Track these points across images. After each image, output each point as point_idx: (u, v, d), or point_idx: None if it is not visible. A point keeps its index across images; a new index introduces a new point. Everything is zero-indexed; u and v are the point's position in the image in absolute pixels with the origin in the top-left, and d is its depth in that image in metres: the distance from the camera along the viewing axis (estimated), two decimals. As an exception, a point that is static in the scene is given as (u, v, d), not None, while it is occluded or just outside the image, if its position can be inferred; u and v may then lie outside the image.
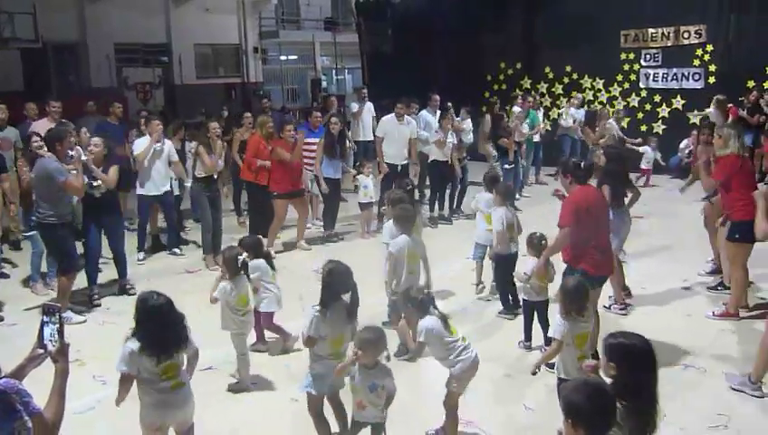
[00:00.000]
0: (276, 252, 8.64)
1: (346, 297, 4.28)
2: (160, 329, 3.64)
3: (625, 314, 6.60)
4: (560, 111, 14.28)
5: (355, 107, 12.18)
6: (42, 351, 2.76)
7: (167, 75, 20.57)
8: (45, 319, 2.78)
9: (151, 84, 20.03)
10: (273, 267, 5.81)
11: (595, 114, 11.79)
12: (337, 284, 4.23)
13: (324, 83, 26.57)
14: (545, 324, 5.77)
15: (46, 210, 6.61)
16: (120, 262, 7.60)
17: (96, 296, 7.29)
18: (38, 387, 2.68)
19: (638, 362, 3.04)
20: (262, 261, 5.77)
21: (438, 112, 10.98)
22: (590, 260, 5.36)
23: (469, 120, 11.55)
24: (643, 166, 12.81)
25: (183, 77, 20.49)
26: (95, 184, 7.07)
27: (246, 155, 9.09)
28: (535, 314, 5.88)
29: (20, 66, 16.76)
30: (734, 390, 5.07)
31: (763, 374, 5.00)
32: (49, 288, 7.51)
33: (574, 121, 13.18)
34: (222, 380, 5.46)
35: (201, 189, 8.50)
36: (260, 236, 6.75)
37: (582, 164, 5.74)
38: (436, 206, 10.51)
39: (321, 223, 9.91)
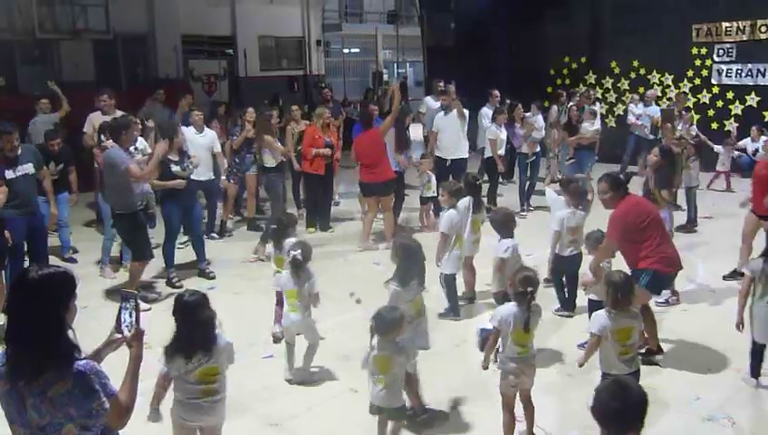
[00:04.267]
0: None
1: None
2: (187, 328, 3.65)
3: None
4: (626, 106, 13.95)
5: (430, 102, 11.85)
6: (119, 335, 2.85)
7: (231, 67, 20.87)
8: (123, 305, 2.86)
9: (216, 76, 20.37)
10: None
11: (672, 112, 11.33)
12: (410, 260, 4.72)
13: (386, 76, 26.57)
14: None
15: (116, 201, 6.81)
16: (199, 245, 7.93)
17: (176, 279, 7.56)
18: (109, 370, 2.77)
19: None
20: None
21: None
22: (658, 259, 5.30)
23: (540, 116, 11.41)
24: (718, 168, 12.25)
25: (247, 69, 20.77)
26: (186, 166, 7.46)
27: (302, 145, 9.28)
28: None
29: (92, 57, 17.25)
30: None
31: None
32: (122, 269, 7.77)
33: (638, 118, 12.87)
34: (279, 366, 5.55)
35: (276, 178, 8.88)
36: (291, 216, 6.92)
37: (622, 176, 5.83)
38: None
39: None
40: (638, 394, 2.64)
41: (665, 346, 5.58)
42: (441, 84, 11.46)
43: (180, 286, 7.36)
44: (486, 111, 10.97)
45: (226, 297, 6.98)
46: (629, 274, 4.58)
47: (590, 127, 11.22)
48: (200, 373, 3.65)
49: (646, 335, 5.38)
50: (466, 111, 10.06)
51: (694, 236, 8.89)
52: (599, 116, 12.18)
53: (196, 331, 3.65)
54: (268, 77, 20.66)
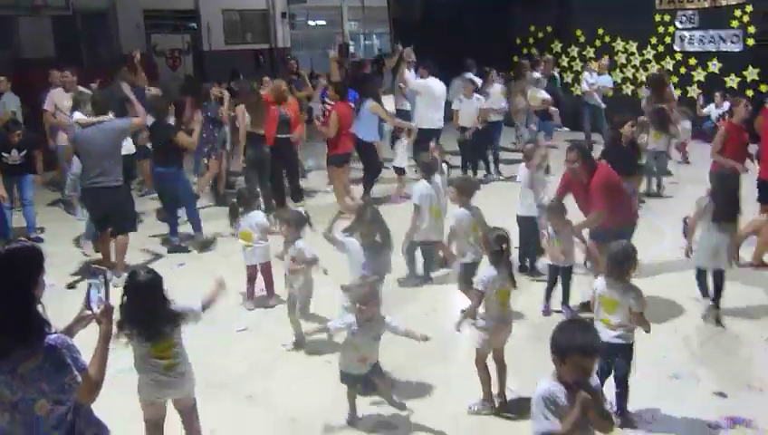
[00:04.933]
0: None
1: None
2: (139, 307, 3.55)
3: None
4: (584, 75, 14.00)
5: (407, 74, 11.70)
6: (88, 312, 2.84)
7: (195, 41, 20.56)
8: (91, 281, 2.86)
9: (180, 51, 20.06)
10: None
11: (662, 77, 11.33)
12: (376, 223, 4.93)
13: (352, 48, 26.41)
14: (566, 290, 5.91)
15: (116, 173, 6.76)
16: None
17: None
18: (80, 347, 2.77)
19: None
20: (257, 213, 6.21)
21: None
22: (629, 211, 5.79)
23: (498, 85, 11.50)
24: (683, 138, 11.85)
25: (211, 43, 20.48)
26: None
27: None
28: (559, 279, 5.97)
29: (51, 34, 16.88)
30: None
31: None
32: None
33: (591, 87, 13.05)
34: (254, 340, 5.59)
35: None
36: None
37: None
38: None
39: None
40: (588, 335, 2.81)
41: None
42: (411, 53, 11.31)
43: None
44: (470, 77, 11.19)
45: (199, 273, 6.97)
46: (630, 243, 4.56)
47: (529, 93, 11.54)
48: (156, 350, 3.61)
49: None
50: (437, 81, 10.16)
51: (661, 203, 9.06)
52: (557, 83, 12.34)
53: (147, 310, 3.56)
54: (233, 51, 20.40)
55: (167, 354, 3.63)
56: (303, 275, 5.38)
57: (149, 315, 3.55)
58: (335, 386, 4.46)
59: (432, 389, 4.80)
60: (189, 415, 3.88)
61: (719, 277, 5.65)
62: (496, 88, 11.44)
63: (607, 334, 4.10)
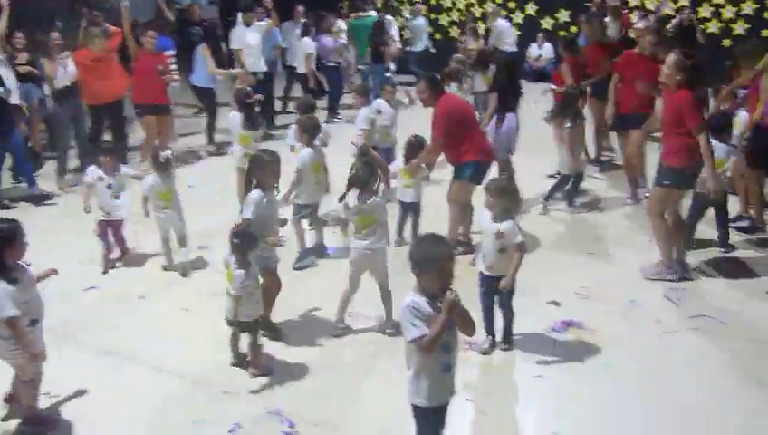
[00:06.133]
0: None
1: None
2: None
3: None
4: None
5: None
6: None
7: (-2, -14, 18.62)
8: None
9: (-18, -4, 18.06)
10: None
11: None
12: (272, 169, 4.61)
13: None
14: (416, 224, 6.13)
15: None
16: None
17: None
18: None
19: None
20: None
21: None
22: (478, 150, 5.69)
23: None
24: None
25: (17, -13, 18.64)
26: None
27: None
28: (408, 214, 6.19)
29: None
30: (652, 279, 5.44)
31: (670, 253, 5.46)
32: None
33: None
34: (107, 296, 5.46)
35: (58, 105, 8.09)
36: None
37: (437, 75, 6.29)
38: None
39: None
40: (444, 244, 3.02)
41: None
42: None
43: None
44: (288, 28, 11.02)
45: (39, 234, 6.56)
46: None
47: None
48: None
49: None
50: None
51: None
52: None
53: None
54: (43, -5, 18.69)
55: None
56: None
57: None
58: (197, 331, 4.49)
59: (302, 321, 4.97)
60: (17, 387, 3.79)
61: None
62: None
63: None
